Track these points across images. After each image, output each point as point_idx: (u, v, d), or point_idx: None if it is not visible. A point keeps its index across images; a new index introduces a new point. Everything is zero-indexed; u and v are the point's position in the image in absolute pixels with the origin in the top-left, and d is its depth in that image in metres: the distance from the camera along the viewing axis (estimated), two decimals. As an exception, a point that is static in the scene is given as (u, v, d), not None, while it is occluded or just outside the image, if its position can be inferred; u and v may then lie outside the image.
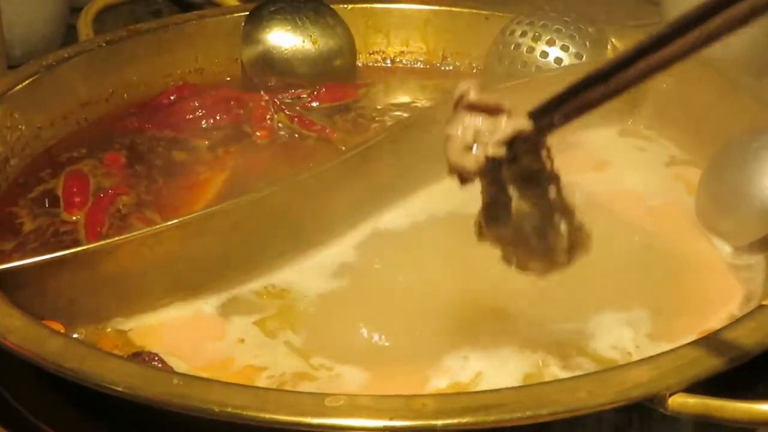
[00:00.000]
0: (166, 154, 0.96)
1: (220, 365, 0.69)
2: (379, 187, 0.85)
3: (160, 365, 0.65)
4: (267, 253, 0.78)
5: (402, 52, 1.14)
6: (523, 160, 0.58)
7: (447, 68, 1.13)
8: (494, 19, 1.09)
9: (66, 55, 1.00)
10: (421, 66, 1.14)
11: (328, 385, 0.67)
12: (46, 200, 0.88)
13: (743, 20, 0.47)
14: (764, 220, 0.78)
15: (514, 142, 0.57)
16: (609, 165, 0.94)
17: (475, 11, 1.12)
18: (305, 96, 1.04)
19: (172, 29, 1.09)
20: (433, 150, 0.84)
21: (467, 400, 0.56)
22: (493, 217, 0.62)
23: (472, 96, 0.58)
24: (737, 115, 0.89)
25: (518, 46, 1.03)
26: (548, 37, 1.02)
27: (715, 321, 0.71)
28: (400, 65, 1.14)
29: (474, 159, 0.57)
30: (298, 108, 1.02)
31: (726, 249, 0.81)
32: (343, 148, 0.89)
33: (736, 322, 0.63)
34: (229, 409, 0.54)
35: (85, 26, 1.08)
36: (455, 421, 0.54)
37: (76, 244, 0.80)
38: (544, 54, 1.02)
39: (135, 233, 0.73)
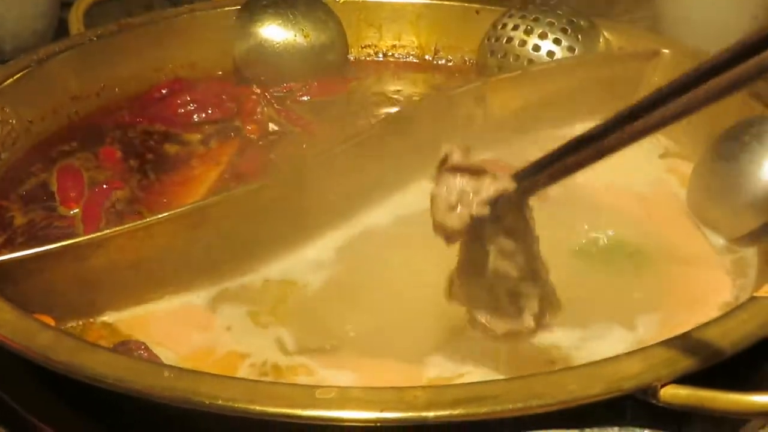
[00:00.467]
0: (157, 149, 0.96)
1: (205, 353, 0.69)
2: (368, 182, 0.85)
3: (145, 354, 0.65)
4: (258, 247, 0.78)
5: (394, 46, 1.14)
6: (507, 219, 0.60)
7: (439, 62, 1.13)
8: (486, 12, 1.09)
9: (57, 50, 1.00)
10: (414, 60, 1.14)
11: (315, 378, 0.67)
12: (40, 195, 0.88)
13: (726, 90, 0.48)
14: (756, 212, 0.79)
15: (497, 202, 0.58)
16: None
17: (466, 5, 1.12)
18: (297, 90, 1.04)
19: (163, 23, 1.09)
20: (423, 144, 0.85)
21: (458, 391, 0.56)
22: (469, 273, 0.62)
23: (456, 158, 0.59)
24: (730, 108, 0.89)
25: (510, 39, 1.03)
26: (540, 31, 1.02)
27: (706, 313, 0.71)
28: (392, 59, 1.14)
29: (458, 218, 0.59)
30: (288, 102, 1.02)
31: (718, 241, 0.81)
32: (333, 142, 0.88)
33: (727, 313, 0.63)
34: (219, 402, 0.54)
35: (76, 21, 1.08)
36: (446, 412, 0.54)
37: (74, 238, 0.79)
38: (537, 47, 1.02)
39: (125, 226, 0.73)
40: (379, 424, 0.54)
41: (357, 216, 0.84)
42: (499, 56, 1.04)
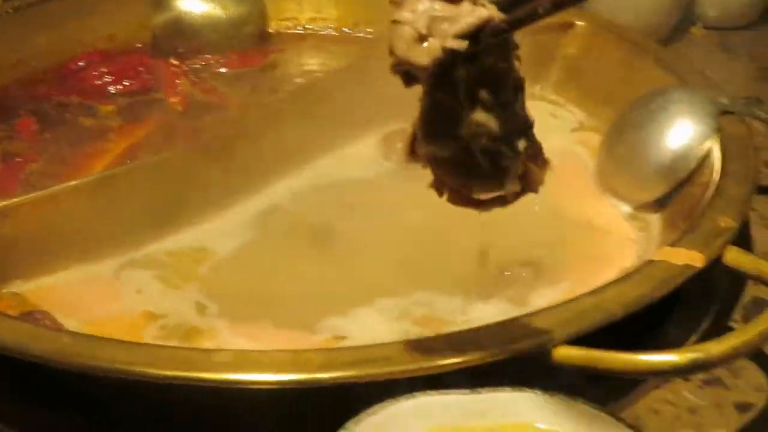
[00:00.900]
0: (73, 121, 0.96)
1: (114, 319, 0.69)
2: (284, 152, 0.85)
3: (50, 323, 0.65)
4: (167, 216, 0.78)
5: (314, 18, 1.14)
6: (487, 59, 0.47)
7: (359, 35, 1.13)
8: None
9: (-28, 22, 0.99)
10: (333, 33, 1.14)
11: (222, 342, 0.67)
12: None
13: None
14: (660, 180, 0.80)
15: (479, 35, 0.46)
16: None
17: (387, -22, 1.12)
18: (215, 62, 1.04)
19: (81, -5, 1.08)
20: (340, 115, 0.85)
21: (353, 354, 0.57)
22: (436, 129, 0.50)
23: None
24: (642, 80, 0.91)
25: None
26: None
27: (607, 277, 0.72)
28: (312, 32, 1.14)
29: (427, 51, 0.46)
30: (206, 74, 1.02)
31: (624, 209, 0.83)
32: (248, 112, 0.89)
33: (621, 277, 0.64)
34: (117, 366, 0.55)
35: (-8, -7, 1.07)
36: (340, 374, 0.55)
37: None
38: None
39: (30, 195, 0.73)
40: (274, 386, 0.55)
41: (271, 186, 0.84)
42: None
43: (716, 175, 0.76)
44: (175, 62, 1.02)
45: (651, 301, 0.62)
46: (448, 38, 0.46)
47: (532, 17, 0.46)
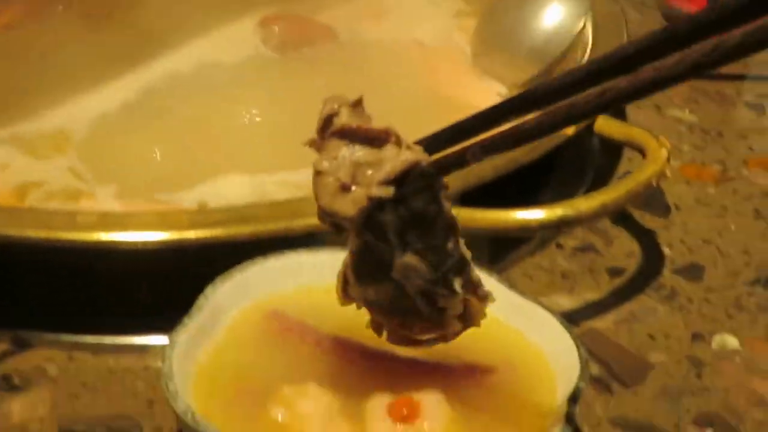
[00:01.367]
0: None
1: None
2: (159, 31, 0.83)
3: None
4: (32, 95, 0.76)
5: None
6: (415, 202, 0.44)
7: None
8: None
9: None
10: None
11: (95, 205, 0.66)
12: None
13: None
14: (534, 60, 0.81)
15: (405, 179, 0.43)
16: (391, 15, 0.95)
17: None
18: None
19: None
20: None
21: (221, 213, 0.56)
22: (368, 272, 0.46)
23: (345, 118, 0.44)
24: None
25: None
26: None
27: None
28: None
29: (352, 202, 0.43)
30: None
31: (500, 89, 0.83)
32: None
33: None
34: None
35: None
36: (209, 233, 0.54)
37: None
38: None
39: None
40: (140, 247, 0.54)
41: (146, 64, 0.82)
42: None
43: (588, 53, 0.77)
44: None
45: (521, 164, 0.62)
46: (373, 186, 0.43)
47: (460, 163, 0.44)
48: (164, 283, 0.56)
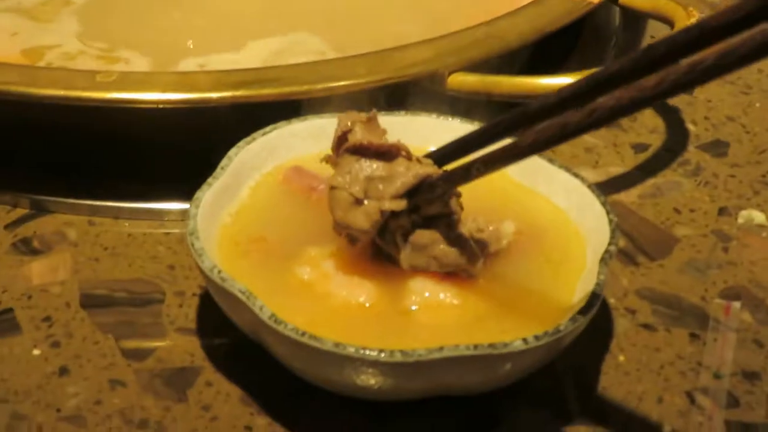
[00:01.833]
0: None
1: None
2: None
3: None
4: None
5: None
6: (428, 209, 0.47)
7: None
8: None
9: None
10: None
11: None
12: None
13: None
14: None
15: (417, 191, 0.46)
16: None
17: None
18: None
19: None
20: None
21: (242, 74, 0.55)
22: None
23: (359, 136, 0.46)
24: None
25: None
26: None
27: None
28: None
29: (365, 215, 0.46)
30: None
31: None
32: None
33: (517, 10, 0.63)
34: (-2, 86, 0.53)
35: None
36: (229, 94, 0.53)
37: None
38: None
39: None
40: (161, 106, 0.53)
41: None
42: None
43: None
44: None
45: (546, 32, 0.61)
46: (385, 200, 0.45)
47: (467, 177, 0.44)
48: (185, 147, 0.55)
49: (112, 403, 0.47)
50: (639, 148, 0.65)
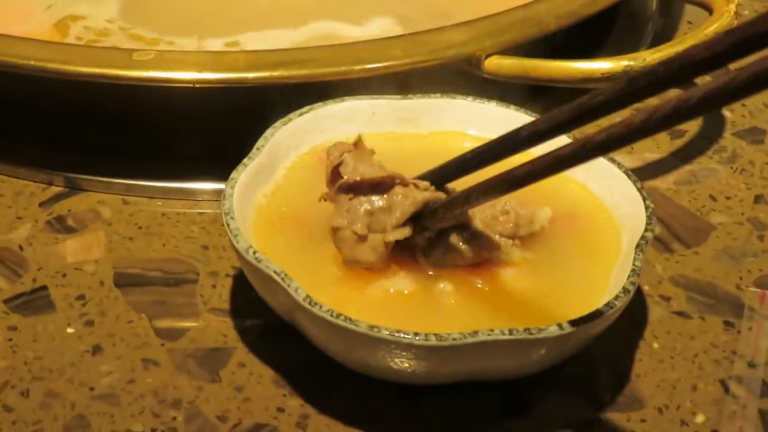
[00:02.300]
0: None
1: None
2: None
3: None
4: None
5: None
6: (436, 225, 0.47)
7: None
8: None
9: None
10: None
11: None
12: None
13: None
14: None
15: (421, 214, 0.46)
16: None
17: None
18: None
19: None
20: None
21: (280, 55, 0.55)
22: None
23: (350, 168, 0.46)
24: None
25: None
26: None
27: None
28: None
29: (371, 249, 0.46)
30: None
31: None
32: None
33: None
34: (32, 63, 0.53)
35: None
36: (266, 74, 0.53)
37: None
38: None
39: None
40: (197, 85, 0.53)
41: None
42: None
43: None
44: None
45: (583, 16, 0.61)
46: (388, 232, 0.46)
47: (466, 203, 0.45)
48: (220, 127, 0.55)
49: (145, 382, 0.47)
50: (675, 134, 0.64)
